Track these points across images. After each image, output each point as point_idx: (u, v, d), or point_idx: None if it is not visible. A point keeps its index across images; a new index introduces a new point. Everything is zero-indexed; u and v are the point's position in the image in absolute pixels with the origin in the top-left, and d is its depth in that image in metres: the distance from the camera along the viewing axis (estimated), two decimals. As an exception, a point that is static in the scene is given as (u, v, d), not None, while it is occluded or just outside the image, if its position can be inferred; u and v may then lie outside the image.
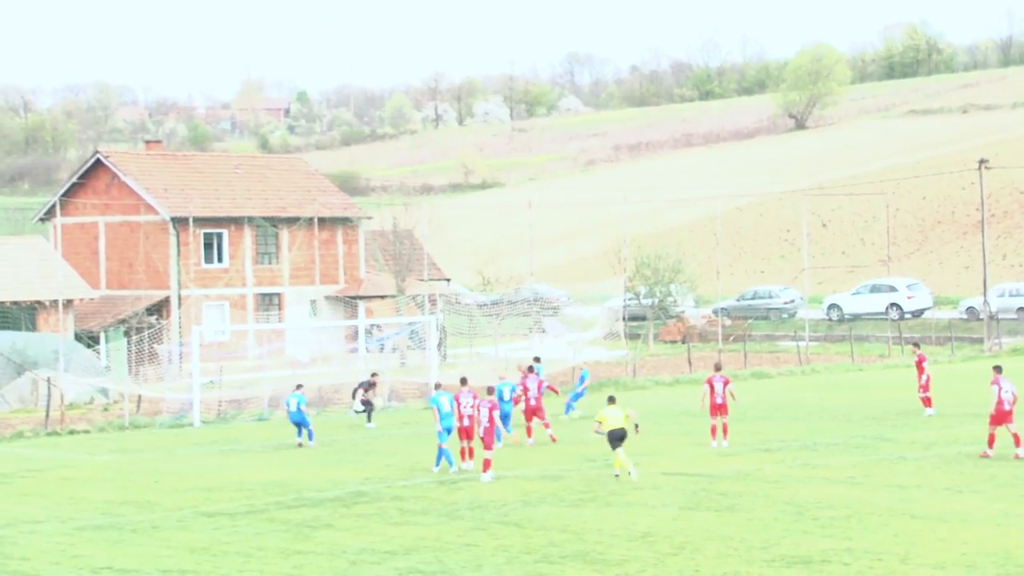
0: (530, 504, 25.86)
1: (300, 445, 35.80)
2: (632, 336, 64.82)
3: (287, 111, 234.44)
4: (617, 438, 28.40)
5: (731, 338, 65.14)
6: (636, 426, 29.26)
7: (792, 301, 74.21)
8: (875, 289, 72.30)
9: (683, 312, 72.64)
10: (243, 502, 27.26)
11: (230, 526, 24.69)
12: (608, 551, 21.55)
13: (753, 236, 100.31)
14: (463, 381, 31.10)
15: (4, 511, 27.02)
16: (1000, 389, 29.80)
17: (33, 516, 26.43)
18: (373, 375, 42.73)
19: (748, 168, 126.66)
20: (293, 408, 36.09)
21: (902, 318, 69.11)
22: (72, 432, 41.40)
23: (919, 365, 38.56)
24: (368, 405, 40.74)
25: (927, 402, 38.08)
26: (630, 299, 68.73)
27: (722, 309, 71.48)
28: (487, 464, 29.05)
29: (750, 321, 70.32)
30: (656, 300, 70.72)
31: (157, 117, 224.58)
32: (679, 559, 20.87)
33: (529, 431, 35.12)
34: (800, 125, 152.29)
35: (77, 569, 21.44)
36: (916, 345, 42.10)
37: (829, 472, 28.70)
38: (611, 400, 29.66)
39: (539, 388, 35.55)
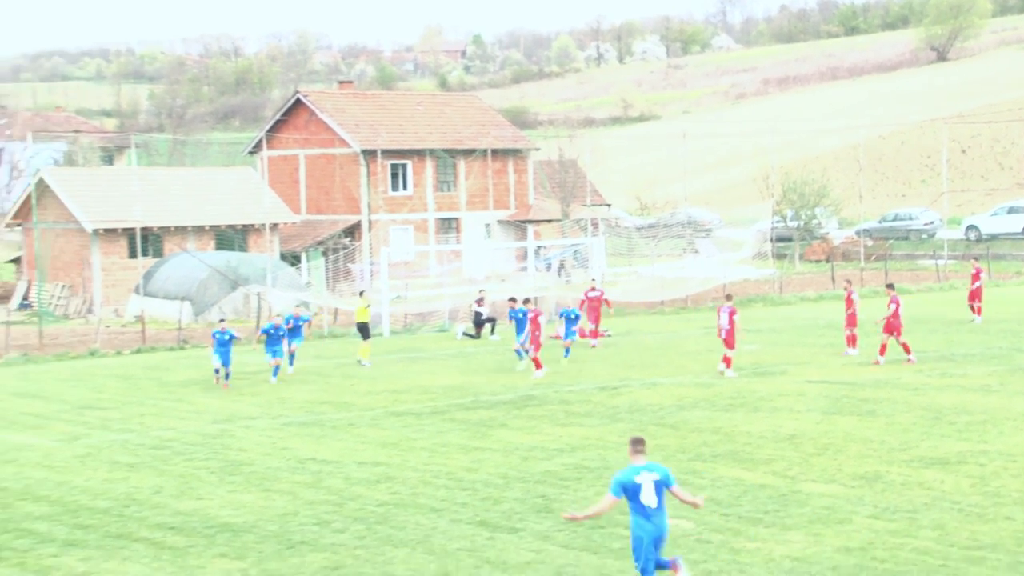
0: (684, 408, 25.80)
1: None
2: (779, 256, 63.79)
3: (464, 53, 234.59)
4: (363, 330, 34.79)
5: (873, 257, 63.67)
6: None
7: (932, 223, 72.06)
8: (1012, 210, 69.67)
9: (827, 233, 71.15)
10: (427, 404, 27.75)
11: (416, 425, 25.18)
12: (757, 451, 21.42)
13: (895, 162, 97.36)
14: (728, 296, 31.80)
15: (223, 409, 28.00)
16: (898, 306, 30.87)
17: (248, 413, 27.33)
18: (481, 291, 42.67)
19: (891, 99, 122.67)
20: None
21: (1038, 238, 66.60)
22: (279, 340, 42.45)
23: (848, 300, 33.02)
24: (489, 322, 40.78)
25: (850, 340, 32.88)
26: (777, 222, 67.53)
27: (864, 230, 69.78)
28: (728, 361, 30.14)
29: (891, 241, 68.57)
30: (802, 222, 69.38)
31: (349, 60, 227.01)
32: (823, 459, 20.64)
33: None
34: (942, 57, 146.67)
35: (286, 460, 22.13)
36: (890, 287, 33.47)
37: (965, 380, 27.97)
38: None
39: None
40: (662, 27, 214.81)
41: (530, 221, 67.40)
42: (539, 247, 61.79)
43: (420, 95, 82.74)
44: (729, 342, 30.06)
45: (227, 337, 30.86)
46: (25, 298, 57.09)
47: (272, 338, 31.54)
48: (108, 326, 47.47)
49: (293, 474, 20.89)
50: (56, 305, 54.98)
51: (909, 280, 55.70)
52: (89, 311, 54.09)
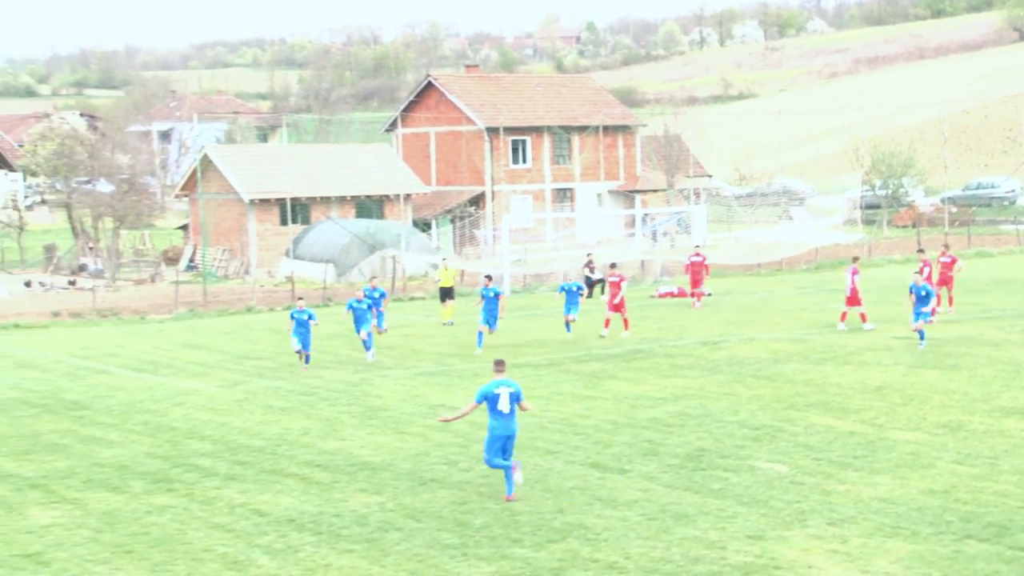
0: (779, 362, 25.36)
1: None
2: (868, 222, 62.31)
3: (578, 38, 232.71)
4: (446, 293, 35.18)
5: (956, 223, 61.77)
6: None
7: (1013, 191, 69.66)
8: (1090, 179, 67.00)
9: (914, 201, 69.20)
10: (544, 356, 27.72)
11: (534, 375, 25.17)
12: (846, 401, 20.96)
13: (978, 135, 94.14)
14: (855, 258, 31.07)
15: (366, 359, 28.29)
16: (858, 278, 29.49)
17: (384, 364, 27.58)
18: (588, 255, 42.36)
19: (975, 77, 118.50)
20: None
21: (1116, 204, 63.84)
22: (412, 298, 42.91)
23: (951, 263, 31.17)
24: (599, 283, 40.36)
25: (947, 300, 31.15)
26: (867, 190, 65.90)
27: (948, 198, 67.75)
28: (863, 317, 29.66)
29: (974, 208, 66.45)
30: (890, 191, 67.58)
31: (475, 46, 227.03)
32: (908, 408, 20.12)
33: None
34: (1023, 37, 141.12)
35: (418, 406, 22.29)
36: (921, 251, 32.84)
37: (1045, 339, 26.98)
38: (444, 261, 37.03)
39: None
40: (760, 12, 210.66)
41: (638, 191, 66.85)
42: (646, 215, 61.29)
43: (538, 77, 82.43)
44: (852, 300, 29.38)
45: (305, 317, 26.52)
46: (191, 260, 58.56)
47: (358, 314, 27.75)
48: (262, 285, 48.39)
49: (424, 419, 21.04)
50: (218, 267, 56.28)
51: (991, 244, 53.98)
52: (246, 272, 55.24)
